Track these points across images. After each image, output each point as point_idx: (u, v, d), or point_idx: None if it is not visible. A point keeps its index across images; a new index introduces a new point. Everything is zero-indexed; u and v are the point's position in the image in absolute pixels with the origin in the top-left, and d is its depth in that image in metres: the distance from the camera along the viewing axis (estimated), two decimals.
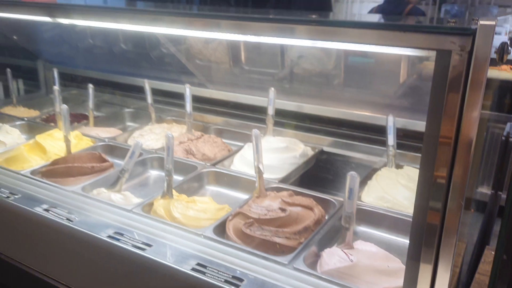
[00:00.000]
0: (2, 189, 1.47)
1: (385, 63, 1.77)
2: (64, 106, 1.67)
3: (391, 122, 1.58)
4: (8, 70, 2.33)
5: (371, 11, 3.81)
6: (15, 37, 2.44)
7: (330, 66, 1.90)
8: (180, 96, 2.30)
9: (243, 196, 1.57)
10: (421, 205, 0.78)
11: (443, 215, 0.74)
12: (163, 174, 1.73)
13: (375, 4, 4.45)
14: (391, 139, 1.59)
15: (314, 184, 1.81)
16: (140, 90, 2.46)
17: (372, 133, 1.88)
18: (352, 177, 1.12)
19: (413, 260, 0.81)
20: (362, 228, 1.37)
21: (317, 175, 1.83)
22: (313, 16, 0.85)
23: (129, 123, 2.36)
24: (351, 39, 0.73)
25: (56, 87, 1.93)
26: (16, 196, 1.43)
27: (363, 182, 1.53)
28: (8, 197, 1.42)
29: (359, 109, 1.87)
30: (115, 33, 2.40)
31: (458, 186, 0.71)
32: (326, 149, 1.88)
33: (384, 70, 1.80)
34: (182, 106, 2.24)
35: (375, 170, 1.61)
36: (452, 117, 0.67)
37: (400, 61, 1.70)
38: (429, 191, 0.75)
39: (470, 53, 0.61)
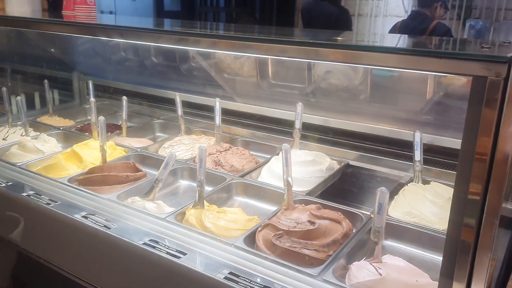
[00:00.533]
0: (42, 196, 1.55)
1: (411, 78, 1.80)
2: (102, 118, 1.75)
3: (418, 137, 1.60)
4: (46, 81, 2.43)
5: (394, 27, 3.83)
6: (52, 50, 2.55)
7: (357, 81, 1.93)
8: (207, 108, 2.37)
9: (270, 207, 1.61)
10: (455, 221, 0.80)
11: (477, 232, 0.76)
12: (193, 184, 1.80)
13: (399, 19, 4.48)
14: (417, 155, 1.60)
15: (340, 197, 1.84)
16: (168, 101, 2.55)
17: (398, 148, 1.90)
18: (382, 193, 1.15)
19: (446, 277, 0.83)
20: (390, 243, 1.39)
21: (343, 188, 1.86)
22: (339, 38, 0.89)
23: (158, 134, 2.44)
24: (388, 64, 0.77)
25: (92, 99, 2.02)
26: (56, 203, 1.50)
27: (390, 197, 1.55)
28: (48, 203, 1.50)
29: (385, 124, 1.90)
30: (147, 47, 2.49)
31: (493, 203, 0.73)
32: (352, 163, 1.90)
33: (411, 86, 1.83)
34: (210, 118, 2.32)
35: (401, 185, 1.64)
36: (488, 135, 0.69)
37: (426, 76, 1.72)
38: (464, 207, 0.77)
39: (506, 78, 0.64)
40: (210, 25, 2.23)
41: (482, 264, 0.75)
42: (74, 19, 1.67)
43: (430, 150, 1.75)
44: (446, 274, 0.83)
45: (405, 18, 4.24)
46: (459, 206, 0.77)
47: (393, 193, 1.58)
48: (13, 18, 1.65)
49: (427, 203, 1.45)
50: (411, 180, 1.67)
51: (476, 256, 0.75)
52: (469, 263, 0.77)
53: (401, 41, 1.42)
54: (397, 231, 1.38)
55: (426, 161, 1.69)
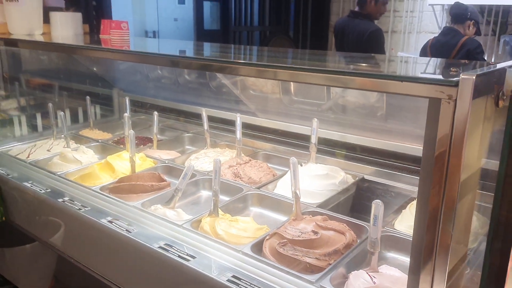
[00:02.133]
0: (75, 202, 1.72)
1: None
2: (131, 132, 1.91)
3: None
4: (87, 97, 2.66)
5: (427, 43, 3.82)
6: (95, 69, 2.79)
7: (372, 99, 2.00)
8: (232, 123, 2.50)
9: (283, 218, 1.69)
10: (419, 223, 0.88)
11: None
12: None
13: (432, 35, 4.45)
14: None
15: (352, 210, 1.90)
16: (198, 116, 2.70)
17: (412, 164, 1.93)
18: (376, 205, 1.21)
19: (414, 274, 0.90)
20: (392, 254, 1.44)
21: (356, 202, 1.91)
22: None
23: (188, 147, 2.59)
24: (356, 86, 0.86)
25: (127, 114, 2.20)
26: (86, 209, 1.67)
27: (398, 211, 1.60)
28: (79, 209, 1.67)
29: (400, 140, 1.94)
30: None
31: (448, 204, 0.80)
32: (367, 177, 1.96)
33: (424, 103, 1.87)
34: (234, 132, 2.46)
35: (411, 199, 1.67)
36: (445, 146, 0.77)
37: None
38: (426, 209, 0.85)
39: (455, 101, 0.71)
40: (239, 50, 2.37)
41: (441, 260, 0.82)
42: (110, 42, 1.86)
43: None
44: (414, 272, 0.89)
45: (437, 34, 4.22)
46: (423, 208, 0.84)
47: (402, 207, 1.62)
48: (58, 45, 1.86)
49: None
50: None
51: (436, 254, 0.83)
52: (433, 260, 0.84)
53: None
54: (400, 243, 1.43)
55: None
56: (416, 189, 1.81)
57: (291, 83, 2.24)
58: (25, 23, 2.02)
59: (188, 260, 1.32)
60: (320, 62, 1.50)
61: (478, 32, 3.68)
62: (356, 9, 3.82)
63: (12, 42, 1.95)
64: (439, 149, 0.76)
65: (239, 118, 2.09)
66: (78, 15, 2.16)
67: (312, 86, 2.22)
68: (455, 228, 0.81)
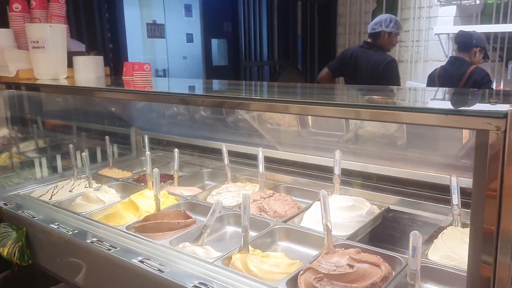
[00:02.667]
0: (104, 242, 1.72)
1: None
2: (156, 170, 1.93)
3: (455, 182, 1.64)
4: (107, 137, 2.70)
5: (434, 73, 3.87)
6: (113, 109, 2.84)
7: (393, 128, 2.01)
8: (251, 157, 2.52)
9: (311, 251, 1.68)
10: (474, 258, 0.86)
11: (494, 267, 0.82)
12: (239, 229, 1.91)
13: (439, 63, 4.52)
14: (455, 199, 1.64)
15: (381, 242, 1.88)
16: (215, 151, 2.73)
17: (437, 192, 1.93)
18: (414, 236, 1.21)
19: None
20: (429, 286, 1.42)
21: (384, 232, 1.90)
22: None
23: (207, 182, 2.60)
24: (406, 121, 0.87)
25: (148, 152, 2.22)
26: (115, 249, 1.66)
27: (429, 241, 1.58)
28: (109, 249, 1.66)
29: (423, 169, 1.95)
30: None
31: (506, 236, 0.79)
32: (392, 207, 1.95)
33: (445, 132, 1.89)
34: (254, 166, 2.47)
35: (441, 229, 1.66)
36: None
37: None
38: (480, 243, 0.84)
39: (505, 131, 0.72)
40: (250, 87, 2.43)
41: None
42: (133, 83, 1.91)
43: (468, 194, 1.77)
44: None
45: (444, 63, 4.28)
46: (476, 243, 0.83)
47: (433, 237, 1.61)
48: (83, 88, 1.91)
49: (466, 246, 1.46)
50: (450, 224, 1.69)
51: None
52: None
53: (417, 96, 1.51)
54: (437, 274, 1.41)
55: (464, 205, 1.71)
56: (442, 217, 1.83)
57: (309, 116, 2.27)
58: (51, 69, 2.08)
59: None
60: (362, 98, 1.53)
61: (486, 57, 3.71)
62: (369, 40, 3.89)
63: (42, 88, 2.01)
64: (490, 181, 0.77)
65: (261, 152, 2.10)
66: (100, 59, 2.22)
67: (330, 118, 2.25)
68: None
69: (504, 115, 0.72)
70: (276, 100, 1.44)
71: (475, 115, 0.76)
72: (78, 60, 2.13)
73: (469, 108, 0.97)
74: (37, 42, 1.97)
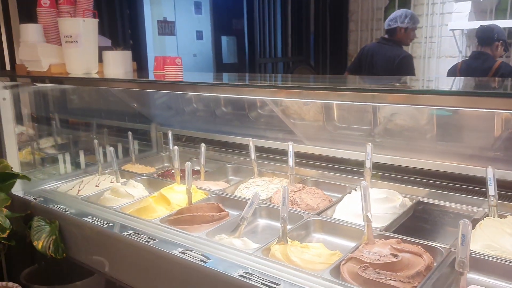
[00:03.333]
0: (141, 235, 1.73)
1: (474, 116, 1.87)
2: (188, 163, 1.94)
3: (491, 173, 1.65)
4: (130, 133, 2.71)
5: (455, 67, 3.88)
6: (134, 105, 2.85)
7: (422, 121, 2.02)
8: (274, 151, 2.53)
9: (347, 242, 1.69)
10: None
11: None
12: (270, 222, 1.94)
13: (453, 59, 4.53)
14: (492, 190, 1.65)
15: (413, 233, 1.89)
16: (236, 146, 2.73)
17: (468, 184, 1.94)
18: (464, 224, 1.22)
19: None
20: (471, 275, 1.42)
21: (416, 224, 1.91)
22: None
23: (231, 177, 2.61)
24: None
25: (176, 147, 2.23)
26: (154, 241, 1.67)
27: None
28: (148, 241, 1.68)
29: (453, 161, 1.96)
30: (214, 98, 2.73)
31: None
32: (423, 199, 1.96)
33: (473, 123, 1.90)
34: (278, 160, 2.49)
35: (476, 220, 1.67)
36: None
37: (492, 114, 1.79)
38: None
39: None
40: (278, 77, 2.45)
41: None
42: (165, 77, 1.92)
43: (500, 185, 1.78)
44: None
45: (461, 58, 4.29)
46: None
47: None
48: (133, 81, 1.92)
49: (506, 236, 1.48)
50: (485, 215, 1.70)
51: None
52: None
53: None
54: (478, 263, 1.42)
55: (498, 196, 1.72)
56: (473, 208, 1.83)
57: (334, 110, 2.28)
58: (83, 63, 2.09)
59: None
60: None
61: (506, 50, 3.73)
62: (386, 36, 3.91)
63: (84, 81, 2.00)
64: None
65: (291, 146, 2.11)
66: (128, 53, 2.23)
67: (354, 112, 2.26)
68: None
69: None
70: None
71: None
72: (108, 55, 2.14)
73: None
74: (70, 36, 1.97)
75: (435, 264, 1.43)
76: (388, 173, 2.13)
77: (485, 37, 3.69)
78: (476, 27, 3.92)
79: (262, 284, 1.34)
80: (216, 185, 2.31)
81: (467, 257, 1.23)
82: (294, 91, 1.49)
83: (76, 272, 2.32)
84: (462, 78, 3.20)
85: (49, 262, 2.20)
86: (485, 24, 3.81)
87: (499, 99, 1.12)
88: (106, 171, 2.56)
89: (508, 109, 1.21)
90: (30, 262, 2.42)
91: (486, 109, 1.25)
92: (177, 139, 3.09)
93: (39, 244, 1.88)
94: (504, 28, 4.22)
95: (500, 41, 3.64)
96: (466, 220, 1.23)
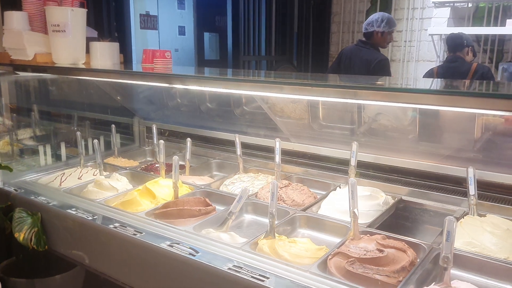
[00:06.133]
0: (128, 228, 1.72)
1: (456, 118, 1.94)
2: (176, 157, 1.94)
3: (472, 173, 1.72)
4: (113, 126, 2.67)
5: (431, 72, 4.00)
6: (118, 98, 2.81)
7: (406, 121, 2.08)
8: (259, 148, 2.55)
9: (332, 238, 1.73)
10: None
11: None
12: (256, 217, 1.95)
13: (431, 64, 4.65)
14: (472, 189, 1.71)
15: (395, 230, 1.94)
16: (221, 142, 2.74)
17: (448, 183, 2.01)
18: (449, 221, 1.26)
19: None
20: (453, 271, 1.48)
21: (398, 222, 1.96)
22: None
23: (215, 172, 2.61)
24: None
25: (162, 141, 2.21)
26: (141, 234, 1.67)
27: None
28: (135, 234, 1.66)
29: (434, 161, 2.02)
30: (196, 93, 2.72)
31: None
32: (405, 197, 2.02)
33: (455, 124, 1.97)
34: (263, 157, 2.51)
35: (456, 219, 1.73)
36: None
37: (473, 115, 1.85)
38: None
39: None
40: (269, 74, 2.47)
41: None
42: (155, 70, 1.90)
43: (479, 185, 1.85)
44: None
45: (438, 62, 4.42)
46: None
47: None
48: (127, 72, 1.89)
49: (486, 234, 1.54)
50: (465, 214, 1.76)
51: None
52: None
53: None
54: (460, 260, 1.47)
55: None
56: (453, 207, 1.90)
57: (320, 108, 2.32)
58: (70, 53, 2.05)
59: (263, 281, 1.33)
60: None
61: (475, 55, 3.93)
62: (364, 39, 3.98)
63: (74, 72, 1.96)
64: None
65: (278, 143, 2.13)
66: (116, 45, 2.20)
67: (339, 111, 2.30)
68: None
69: None
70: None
71: None
72: (96, 46, 2.10)
73: None
74: (58, 25, 1.93)
75: (418, 260, 1.48)
76: (371, 171, 2.18)
77: (455, 44, 3.87)
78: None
79: (252, 277, 1.36)
80: (201, 180, 2.31)
81: (451, 253, 1.28)
82: (291, 86, 1.51)
83: (56, 265, 2.28)
84: (447, 80, 3.30)
85: (28, 255, 2.15)
86: (454, 32, 3.98)
87: (479, 99, 1.16)
88: (88, 163, 2.53)
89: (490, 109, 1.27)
90: (7, 255, 2.36)
91: (463, 108, 1.29)
92: (160, 133, 3.06)
93: (20, 236, 1.84)
94: (480, 35, 4.39)
95: (470, 47, 3.82)
96: (452, 217, 1.27)
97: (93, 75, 2.01)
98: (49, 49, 2.08)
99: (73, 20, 1.98)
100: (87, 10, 2.07)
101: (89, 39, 2.16)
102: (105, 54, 2.13)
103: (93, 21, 3.16)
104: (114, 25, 3.29)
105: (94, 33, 2.37)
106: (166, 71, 1.90)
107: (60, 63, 2.08)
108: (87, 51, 2.16)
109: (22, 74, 2.17)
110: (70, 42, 2.02)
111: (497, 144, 1.92)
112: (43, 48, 2.09)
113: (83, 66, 2.09)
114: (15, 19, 2.07)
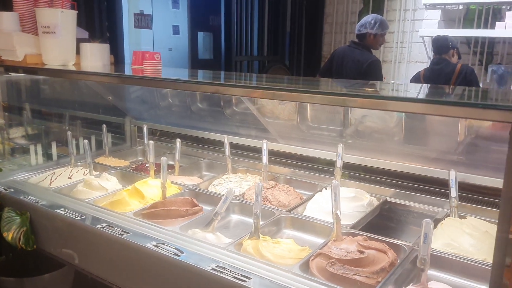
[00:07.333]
0: (115, 228, 1.74)
1: (441, 122, 1.98)
2: (164, 158, 1.96)
3: (453, 175, 1.75)
4: (104, 125, 2.69)
5: (418, 74, 4.05)
6: (109, 98, 2.83)
7: (391, 124, 2.12)
8: (248, 148, 2.58)
9: (316, 239, 1.76)
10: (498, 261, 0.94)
11: None
12: (243, 218, 1.98)
13: (422, 65, 4.70)
14: (453, 192, 1.75)
15: (379, 231, 1.98)
16: (211, 142, 2.76)
17: (432, 185, 2.05)
18: (427, 223, 1.30)
19: None
20: (432, 272, 1.51)
21: (382, 223, 2.00)
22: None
23: (205, 172, 2.64)
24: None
25: (151, 141, 2.24)
26: (128, 234, 1.69)
27: None
28: (121, 234, 1.69)
29: (419, 163, 2.06)
30: (187, 94, 2.75)
31: None
32: (389, 199, 2.05)
33: (439, 128, 2.01)
34: (252, 158, 2.54)
35: (438, 220, 1.77)
36: None
37: (457, 119, 1.89)
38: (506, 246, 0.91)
39: None
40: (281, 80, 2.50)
41: None
42: (144, 72, 1.93)
43: (461, 188, 1.89)
44: None
45: (428, 64, 4.45)
46: (502, 246, 0.91)
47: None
48: (114, 76, 1.89)
49: (465, 235, 1.58)
50: (447, 216, 1.80)
51: None
52: None
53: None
54: (439, 261, 1.51)
55: (459, 198, 1.83)
56: (435, 209, 1.94)
57: (308, 110, 2.35)
58: (60, 55, 2.07)
59: (244, 281, 1.37)
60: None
61: (459, 57, 4.00)
62: (356, 40, 4.02)
63: (62, 74, 1.97)
64: None
65: (265, 144, 2.16)
66: (106, 47, 2.22)
67: (327, 113, 2.33)
68: None
69: None
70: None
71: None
72: (86, 47, 2.12)
73: (504, 103, 1.06)
74: (48, 27, 1.95)
75: (398, 261, 1.52)
76: (357, 172, 2.21)
77: (440, 46, 3.93)
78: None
79: (234, 277, 1.39)
80: (190, 180, 2.33)
81: (428, 255, 1.32)
82: (280, 93, 1.54)
83: (45, 264, 2.30)
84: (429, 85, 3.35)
85: (17, 254, 2.17)
86: (440, 34, 4.04)
87: (461, 108, 1.20)
88: (79, 163, 2.54)
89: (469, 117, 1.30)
90: None
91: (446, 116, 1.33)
92: (151, 133, 3.09)
93: (9, 235, 1.86)
94: (471, 37, 4.44)
95: (455, 49, 3.88)
96: (429, 219, 1.31)
97: (82, 77, 2.03)
98: (40, 50, 2.10)
99: (63, 22, 2.00)
100: (77, 12, 2.09)
101: (79, 40, 2.18)
102: (95, 55, 2.14)
103: (84, 21, 3.17)
104: (106, 24, 3.29)
105: (85, 34, 2.38)
106: (155, 74, 1.92)
107: (50, 65, 2.09)
108: (77, 52, 2.17)
109: (12, 74, 2.18)
110: (60, 44, 2.04)
111: (480, 147, 1.96)
112: (34, 49, 2.11)
113: (73, 68, 2.11)
114: (5, 19, 2.08)
